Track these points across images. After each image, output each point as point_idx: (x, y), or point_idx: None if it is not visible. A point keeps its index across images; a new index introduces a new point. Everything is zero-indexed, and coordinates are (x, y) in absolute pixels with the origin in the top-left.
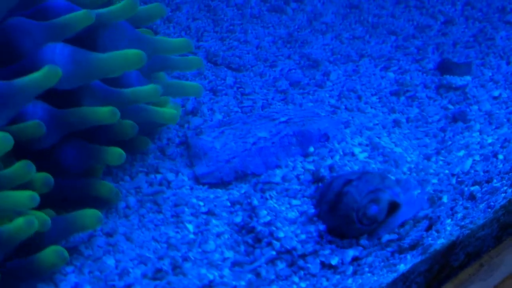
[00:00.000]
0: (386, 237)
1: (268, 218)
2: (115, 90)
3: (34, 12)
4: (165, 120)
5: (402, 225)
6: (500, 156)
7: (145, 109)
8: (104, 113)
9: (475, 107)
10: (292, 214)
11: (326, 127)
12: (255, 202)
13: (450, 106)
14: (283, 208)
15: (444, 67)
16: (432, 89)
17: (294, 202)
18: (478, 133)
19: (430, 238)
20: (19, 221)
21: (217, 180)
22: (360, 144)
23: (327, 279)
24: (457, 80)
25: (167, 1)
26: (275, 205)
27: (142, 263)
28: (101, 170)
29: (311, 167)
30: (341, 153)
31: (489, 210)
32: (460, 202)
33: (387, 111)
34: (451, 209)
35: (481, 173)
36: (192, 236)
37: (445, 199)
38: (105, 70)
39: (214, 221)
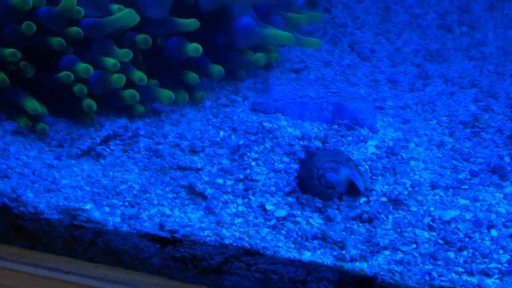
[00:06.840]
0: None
1: (256, 155)
2: None
3: None
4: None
5: None
6: (494, 232)
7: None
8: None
9: None
10: (281, 166)
11: (361, 111)
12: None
13: (507, 159)
14: (276, 158)
15: None
16: (504, 137)
17: (284, 159)
18: (502, 196)
19: None
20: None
21: (262, 109)
22: (383, 141)
23: (255, 217)
24: None
25: None
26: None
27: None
28: None
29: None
30: (356, 139)
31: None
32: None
33: (447, 132)
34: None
35: (461, 235)
36: (218, 139)
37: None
38: None
39: (233, 137)
